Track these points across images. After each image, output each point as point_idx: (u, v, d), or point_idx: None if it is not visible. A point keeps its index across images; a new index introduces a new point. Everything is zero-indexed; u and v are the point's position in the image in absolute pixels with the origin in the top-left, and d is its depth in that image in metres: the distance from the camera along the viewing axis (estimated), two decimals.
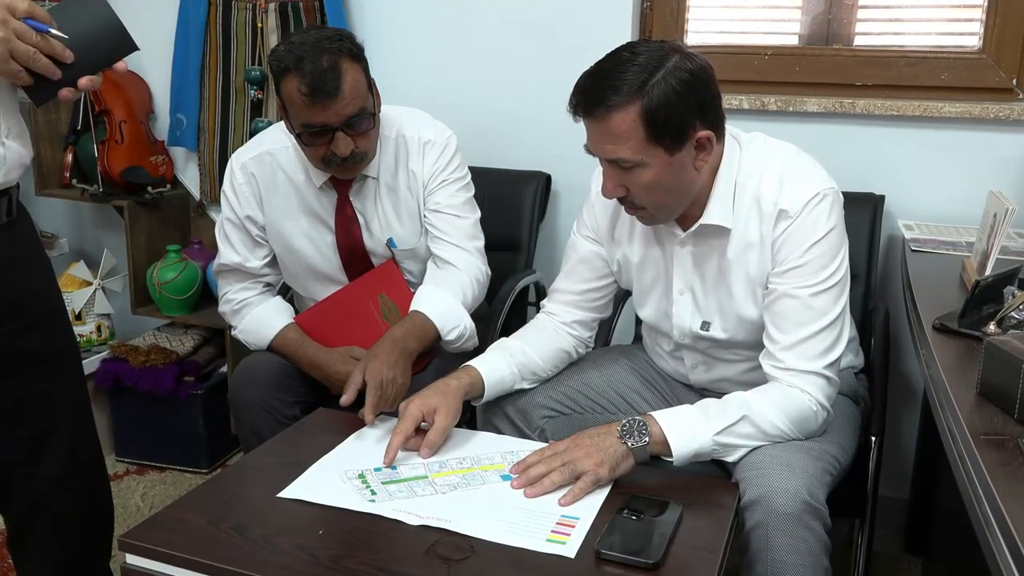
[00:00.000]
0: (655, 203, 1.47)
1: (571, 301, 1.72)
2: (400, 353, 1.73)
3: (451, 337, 1.85)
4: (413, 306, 1.84)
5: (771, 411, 1.40)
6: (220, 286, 2.03)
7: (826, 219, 1.45)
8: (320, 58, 1.66)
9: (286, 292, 2.15)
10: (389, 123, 1.91)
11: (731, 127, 1.52)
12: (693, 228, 1.53)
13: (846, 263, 1.49)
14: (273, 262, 2.02)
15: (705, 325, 1.60)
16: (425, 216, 1.95)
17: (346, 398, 1.64)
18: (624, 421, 1.38)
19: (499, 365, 1.61)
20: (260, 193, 1.94)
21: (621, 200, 1.49)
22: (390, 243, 1.93)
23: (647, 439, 1.36)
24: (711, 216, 1.50)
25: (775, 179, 1.48)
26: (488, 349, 1.66)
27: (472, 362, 1.60)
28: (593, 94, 1.39)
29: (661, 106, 1.36)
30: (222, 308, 2.02)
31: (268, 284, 2.04)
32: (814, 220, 1.45)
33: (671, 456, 1.39)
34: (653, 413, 1.41)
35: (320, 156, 1.76)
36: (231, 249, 1.98)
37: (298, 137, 1.77)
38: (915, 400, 2.25)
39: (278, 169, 1.93)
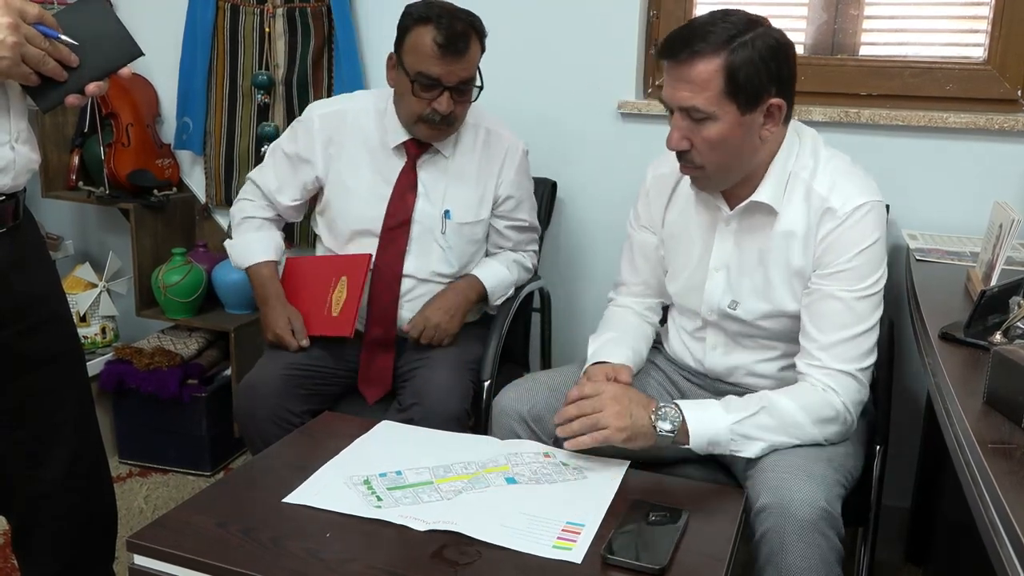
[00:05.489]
0: (715, 163, 1.50)
1: (639, 291, 1.80)
2: (460, 302, 2.01)
3: (497, 303, 2.10)
4: (476, 272, 2.08)
5: (791, 406, 1.45)
6: (243, 191, 2.15)
7: (874, 228, 1.51)
8: (456, 21, 1.84)
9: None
10: (474, 113, 2.03)
11: (795, 122, 1.58)
12: (742, 205, 1.57)
13: (885, 275, 1.54)
14: (298, 209, 2.13)
15: (733, 304, 1.63)
16: (500, 223, 2.11)
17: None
18: (663, 405, 1.44)
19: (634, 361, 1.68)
20: (331, 140, 2.03)
21: (681, 156, 1.52)
22: (446, 215, 2.02)
23: (675, 429, 1.42)
24: (762, 194, 1.54)
25: (829, 178, 1.53)
26: (617, 343, 1.69)
27: (620, 360, 1.63)
28: (682, 39, 1.45)
29: (744, 63, 1.41)
30: (232, 210, 2.16)
31: (279, 216, 2.13)
32: (864, 227, 1.50)
33: (688, 442, 1.42)
34: (678, 401, 1.46)
35: (419, 111, 1.89)
36: (272, 175, 2.09)
37: (411, 84, 1.86)
38: (917, 409, 2.25)
39: (356, 126, 2.03)
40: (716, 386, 1.71)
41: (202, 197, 2.80)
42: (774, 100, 1.46)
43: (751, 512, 1.36)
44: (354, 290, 1.97)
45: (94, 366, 2.60)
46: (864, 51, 2.27)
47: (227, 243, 2.13)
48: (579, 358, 1.78)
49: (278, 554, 1.18)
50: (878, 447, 1.65)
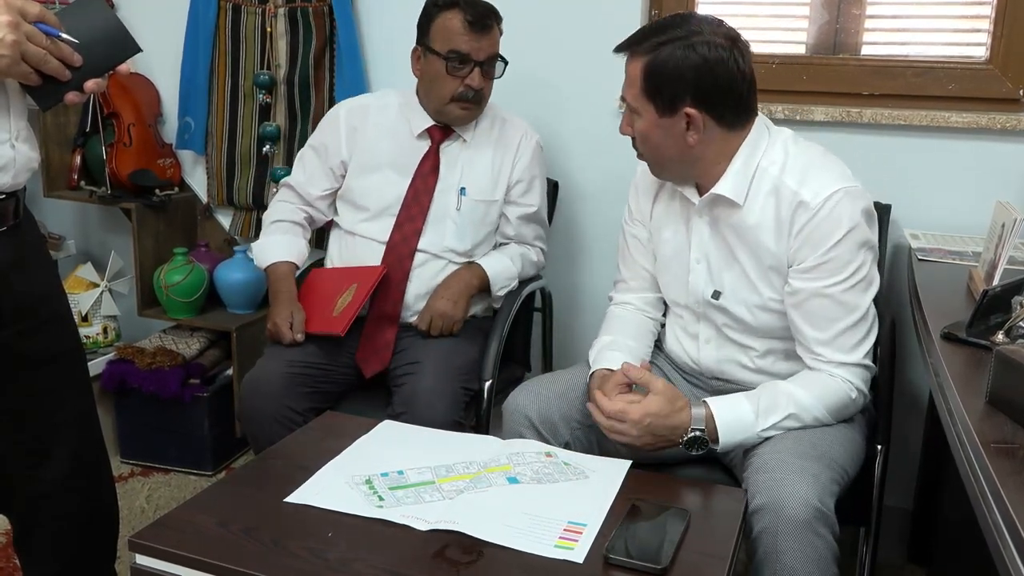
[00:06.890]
0: (647, 154, 1.61)
1: (637, 286, 1.82)
2: (462, 289, 2.06)
3: (500, 293, 2.14)
4: (479, 261, 2.13)
5: (816, 405, 1.52)
6: (277, 195, 2.27)
7: (848, 216, 1.50)
8: (479, 4, 2.01)
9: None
10: (492, 107, 2.16)
11: (765, 118, 1.61)
12: (705, 197, 1.60)
13: (872, 256, 1.55)
14: (328, 201, 2.19)
15: (716, 294, 1.65)
16: (511, 210, 2.17)
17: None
18: (692, 435, 1.48)
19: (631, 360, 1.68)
20: (355, 128, 2.14)
21: (632, 143, 1.62)
22: (462, 191, 2.10)
23: (702, 452, 1.49)
24: (722, 187, 1.57)
25: (798, 171, 1.54)
26: (613, 349, 1.69)
27: (617, 366, 1.62)
28: (630, 38, 1.57)
29: (661, 69, 1.50)
30: (264, 215, 2.26)
31: (310, 218, 2.21)
32: (836, 217, 1.50)
33: (717, 445, 1.50)
34: (710, 402, 1.51)
35: (452, 91, 2.01)
36: (300, 170, 2.21)
37: (445, 62, 1.99)
38: (919, 409, 2.25)
39: (378, 117, 2.15)
40: (711, 384, 1.72)
41: (204, 197, 2.80)
42: (689, 110, 1.50)
43: (748, 512, 1.36)
44: (359, 296, 1.99)
45: (96, 366, 2.60)
46: (866, 51, 2.27)
47: (253, 244, 2.23)
48: (583, 358, 1.78)
49: (280, 554, 1.18)
50: (879, 447, 1.64)
